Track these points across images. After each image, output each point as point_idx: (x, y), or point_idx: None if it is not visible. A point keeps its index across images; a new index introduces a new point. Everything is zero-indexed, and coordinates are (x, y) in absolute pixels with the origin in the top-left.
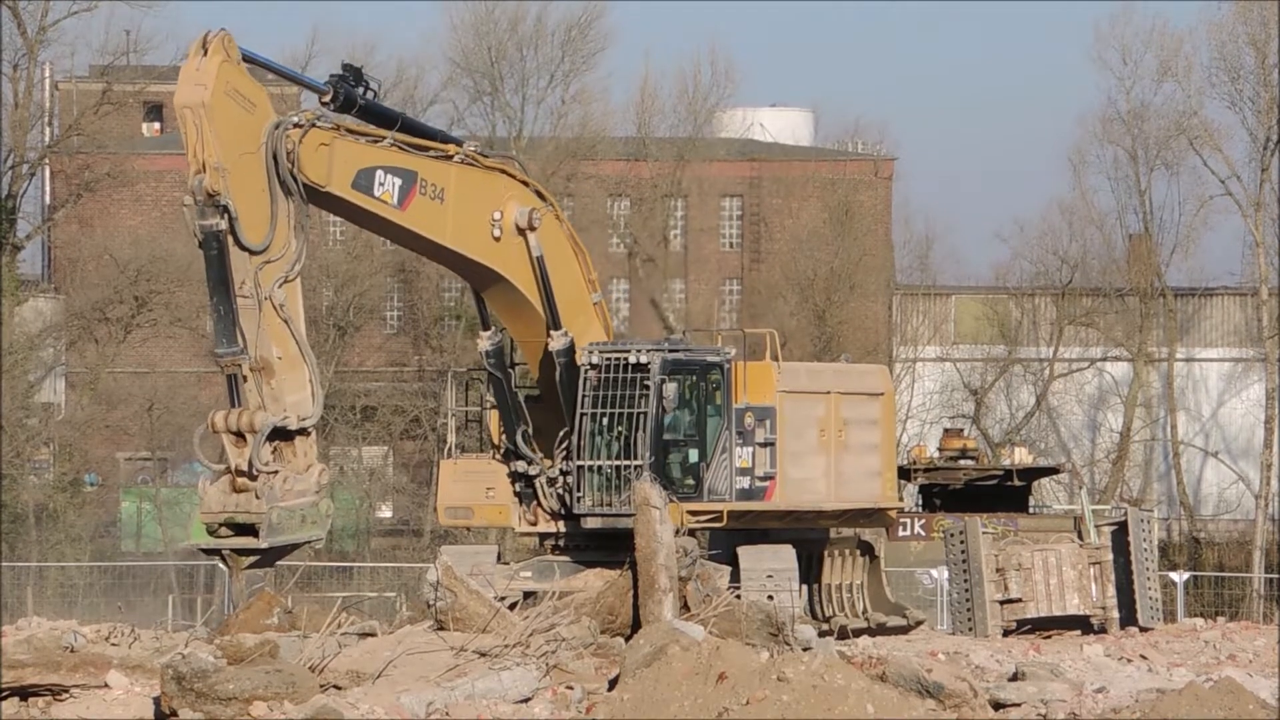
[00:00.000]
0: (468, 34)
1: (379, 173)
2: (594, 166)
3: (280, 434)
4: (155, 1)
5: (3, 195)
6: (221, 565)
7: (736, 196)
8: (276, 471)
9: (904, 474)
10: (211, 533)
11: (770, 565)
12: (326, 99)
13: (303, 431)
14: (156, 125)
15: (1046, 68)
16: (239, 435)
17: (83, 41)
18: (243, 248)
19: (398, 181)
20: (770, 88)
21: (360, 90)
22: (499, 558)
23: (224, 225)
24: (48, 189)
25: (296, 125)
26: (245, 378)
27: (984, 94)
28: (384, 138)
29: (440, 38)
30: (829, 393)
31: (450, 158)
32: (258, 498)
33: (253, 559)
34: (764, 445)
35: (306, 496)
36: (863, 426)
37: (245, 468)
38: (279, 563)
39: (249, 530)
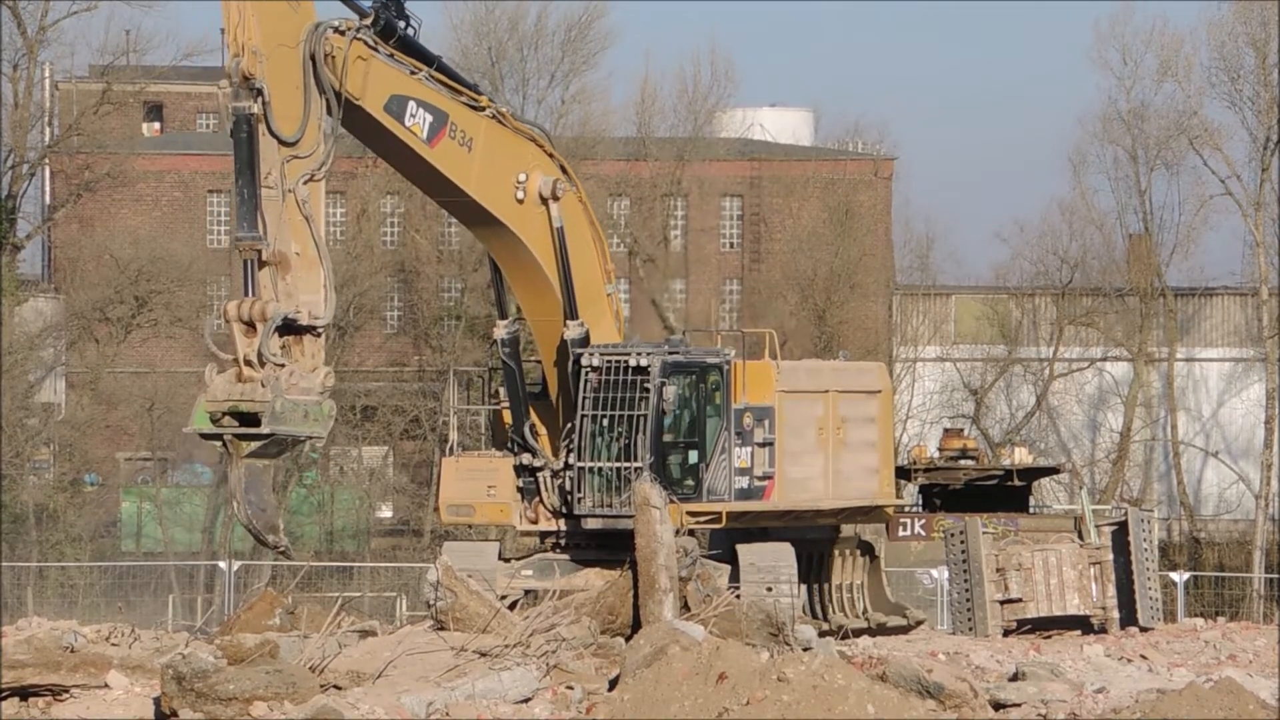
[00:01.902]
0: (468, 34)
1: (411, 104)
2: (594, 166)
3: (290, 329)
4: (155, 1)
5: (3, 195)
6: (222, 449)
7: (736, 196)
8: (283, 365)
9: (904, 474)
10: (215, 421)
11: (768, 562)
12: (368, 22)
13: (313, 331)
14: (156, 125)
15: (1046, 68)
16: (249, 325)
17: (83, 41)
18: (273, 135)
19: (429, 118)
20: (770, 88)
21: (401, 24)
22: (500, 555)
23: (256, 109)
24: (48, 189)
25: (338, 31)
26: (261, 265)
27: (984, 94)
28: (420, 71)
29: (440, 38)
30: (827, 391)
31: (482, 109)
32: (263, 386)
33: (253, 446)
34: (763, 445)
35: (311, 394)
36: (861, 424)
37: (254, 357)
38: (280, 455)
39: (253, 421)
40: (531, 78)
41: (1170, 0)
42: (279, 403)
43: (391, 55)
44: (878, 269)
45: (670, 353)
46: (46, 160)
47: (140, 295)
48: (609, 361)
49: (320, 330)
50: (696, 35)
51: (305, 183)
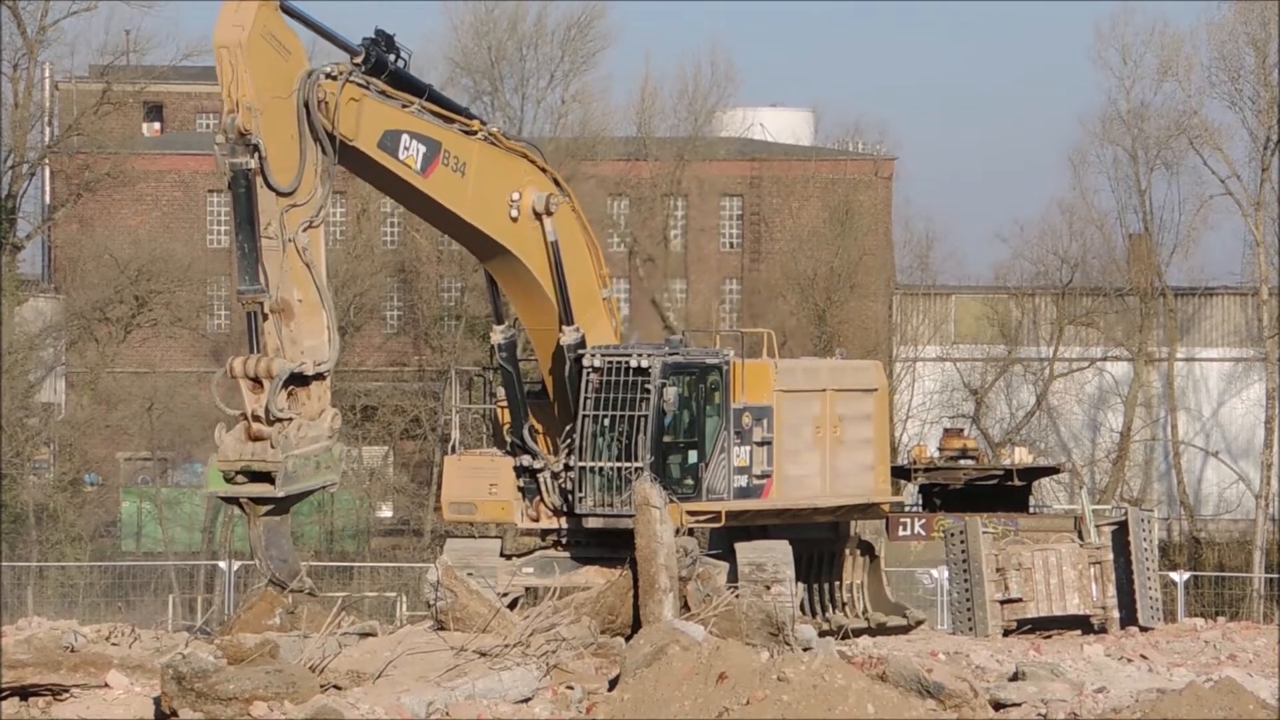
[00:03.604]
0: (468, 34)
1: (404, 137)
2: (594, 166)
3: (296, 379)
4: (155, 1)
5: (3, 195)
6: (239, 511)
7: (736, 196)
8: (291, 419)
9: (904, 474)
10: (229, 480)
11: (767, 559)
12: (358, 60)
13: (318, 376)
14: (156, 125)
15: (1046, 68)
16: (256, 381)
17: (83, 41)
18: (270, 188)
19: (422, 149)
20: (770, 88)
21: (391, 57)
22: (501, 552)
23: (253, 164)
24: (48, 189)
25: (329, 76)
26: (265, 316)
27: (984, 94)
28: (412, 104)
29: (440, 38)
30: (824, 390)
31: (474, 133)
32: (273, 446)
33: (269, 506)
34: (761, 444)
35: (320, 442)
36: (857, 422)
37: (261, 414)
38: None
39: (266, 477)
40: (531, 77)
41: (1170, 0)
42: (290, 462)
43: (383, 92)
44: (878, 269)
45: (670, 353)
46: (46, 160)
47: (140, 295)
48: (610, 362)
49: (325, 374)
50: (696, 35)
51: (304, 230)
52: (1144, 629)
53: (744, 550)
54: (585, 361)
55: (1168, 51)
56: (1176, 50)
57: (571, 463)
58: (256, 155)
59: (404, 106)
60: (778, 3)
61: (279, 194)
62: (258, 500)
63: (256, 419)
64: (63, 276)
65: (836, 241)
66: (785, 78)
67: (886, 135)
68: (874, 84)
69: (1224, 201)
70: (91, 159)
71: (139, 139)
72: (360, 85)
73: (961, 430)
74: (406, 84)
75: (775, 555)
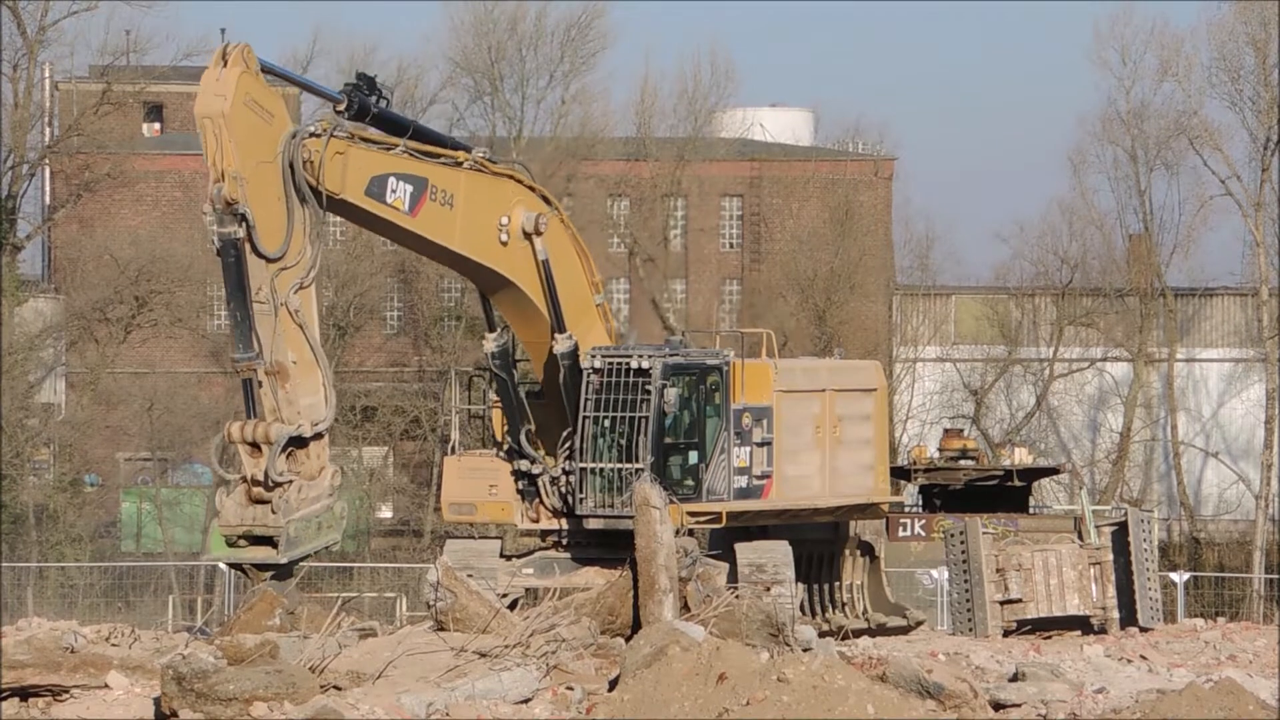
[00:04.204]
0: (468, 34)
1: (391, 179)
2: (594, 166)
3: (294, 441)
4: (155, 1)
5: (3, 195)
6: (243, 575)
7: (736, 196)
8: (291, 481)
9: (904, 474)
10: (231, 544)
11: (767, 560)
12: (341, 108)
13: (316, 435)
14: (156, 125)
15: (1046, 68)
16: (254, 446)
17: (83, 41)
18: (260, 255)
19: (409, 188)
20: (770, 88)
21: (373, 99)
22: (501, 553)
23: (242, 233)
24: (48, 189)
25: (313, 135)
26: (260, 383)
27: (984, 94)
28: (396, 145)
29: (440, 38)
30: (824, 390)
31: (460, 164)
32: (274, 511)
33: (272, 571)
34: (761, 445)
35: (320, 502)
36: (856, 422)
37: (261, 478)
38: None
39: (267, 540)
40: (531, 77)
41: (1170, 0)
42: (292, 527)
43: (366, 138)
44: (878, 269)
45: (671, 354)
46: (46, 160)
47: (140, 295)
48: (611, 363)
49: (323, 433)
50: (696, 35)
51: (296, 291)
52: (1144, 629)
53: (744, 551)
54: (586, 363)
55: (1167, 51)
56: (1176, 50)
57: (570, 466)
58: (244, 224)
59: (388, 149)
60: (778, 3)
61: (268, 260)
62: (261, 566)
63: (256, 483)
64: (63, 277)
65: (836, 242)
66: (785, 78)
67: (886, 135)
68: (874, 84)
69: (1224, 202)
70: (91, 159)
71: (139, 139)
72: (342, 138)
73: (961, 431)
74: (390, 123)
75: (775, 556)
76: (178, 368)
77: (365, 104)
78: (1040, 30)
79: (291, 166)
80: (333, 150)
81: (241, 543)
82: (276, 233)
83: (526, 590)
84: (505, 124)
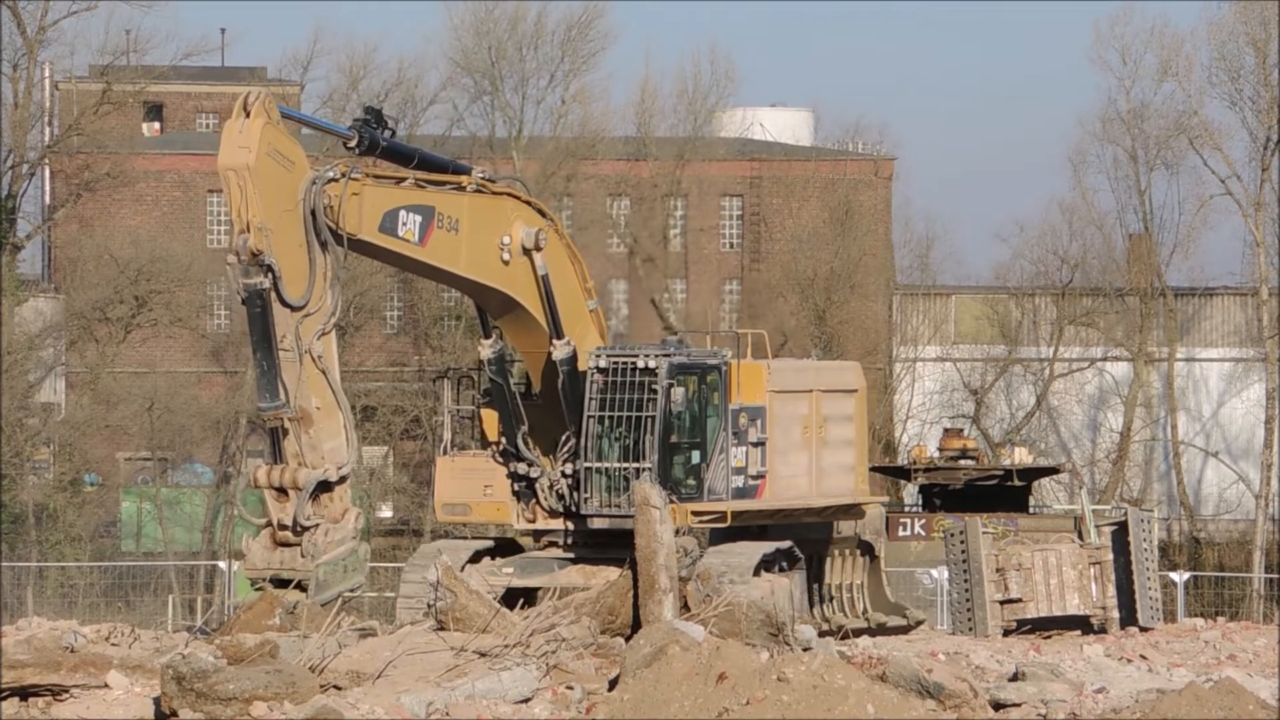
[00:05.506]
0: (468, 34)
1: (402, 213)
2: (594, 166)
3: (321, 485)
4: (155, 1)
5: (3, 195)
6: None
7: (736, 196)
8: (318, 525)
9: (904, 474)
10: (257, 588)
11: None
12: (352, 144)
13: (341, 479)
14: (156, 125)
15: (1046, 68)
16: (281, 491)
17: (83, 41)
18: (285, 304)
19: (418, 219)
20: (770, 88)
21: (381, 132)
22: (490, 553)
23: (268, 284)
24: (48, 189)
25: (331, 180)
26: (287, 431)
27: (984, 94)
28: (405, 178)
29: (440, 38)
30: (811, 391)
31: (463, 188)
32: (303, 555)
33: None
34: (756, 445)
35: (345, 544)
36: (839, 423)
37: (288, 523)
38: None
39: (292, 584)
40: (531, 77)
41: (1170, 0)
42: (321, 571)
43: (377, 176)
44: (878, 269)
45: (675, 353)
46: (46, 160)
47: (140, 295)
48: (616, 363)
49: (347, 475)
50: (696, 35)
51: (319, 338)
52: (1144, 629)
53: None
54: (590, 362)
55: (1167, 51)
56: (1176, 50)
57: (568, 469)
58: (270, 274)
59: (398, 182)
60: (778, 3)
61: (293, 308)
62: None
63: (284, 527)
64: (63, 276)
65: (836, 241)
66: (785, 78)
67: (886, 135)
68: (874, 84)
69: (1224, 201)
70: (91, 159)
71: (139, 139)
72: (358, 179)
73: (961, 430)
74: (398, 154)
75: (740, 561)
76: (178, 367)
77: (375, 138)
78: (1040, 30)
79: (314, 213)
80: (349, 192)
81: (268, 586)
82: (299, 280)
83: (507, 590)
84: (505, 124)
